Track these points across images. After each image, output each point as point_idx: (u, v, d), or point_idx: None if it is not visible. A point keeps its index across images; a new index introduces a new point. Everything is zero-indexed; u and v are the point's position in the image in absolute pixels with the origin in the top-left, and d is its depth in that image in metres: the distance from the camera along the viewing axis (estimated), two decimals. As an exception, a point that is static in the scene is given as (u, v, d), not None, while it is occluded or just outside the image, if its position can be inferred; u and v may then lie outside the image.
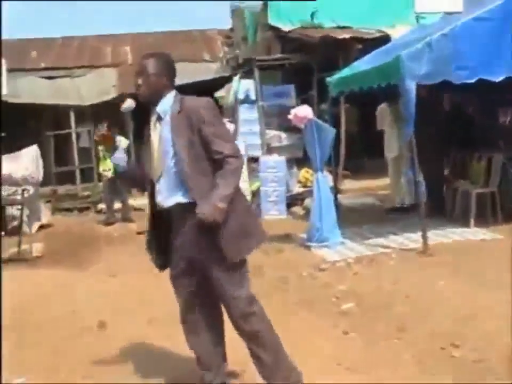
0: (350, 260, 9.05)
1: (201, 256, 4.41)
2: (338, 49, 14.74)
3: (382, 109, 12.78)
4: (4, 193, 12.95)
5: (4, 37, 20.62)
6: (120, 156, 4.63)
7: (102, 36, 26.39)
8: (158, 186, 4.47)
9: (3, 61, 19.37)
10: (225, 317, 4.65)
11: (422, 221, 9.18)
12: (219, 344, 4.78)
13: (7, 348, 6.21)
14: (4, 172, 13.28)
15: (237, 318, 4.49)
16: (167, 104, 4.43)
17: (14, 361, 5.90)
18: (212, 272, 4.42)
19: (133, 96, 4.59)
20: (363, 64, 10.89)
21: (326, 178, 10.57)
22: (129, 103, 4.65)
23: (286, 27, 17.20)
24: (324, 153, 10.06)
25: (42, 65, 23.46)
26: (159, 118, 4.46)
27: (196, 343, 4.72)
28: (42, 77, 22.05)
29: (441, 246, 9.28)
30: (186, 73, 20.97)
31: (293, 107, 11.78)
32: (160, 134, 4.43)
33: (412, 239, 9.82)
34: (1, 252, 10.13)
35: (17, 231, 11.68)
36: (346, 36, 15.12)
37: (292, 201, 14.16)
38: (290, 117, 10.19)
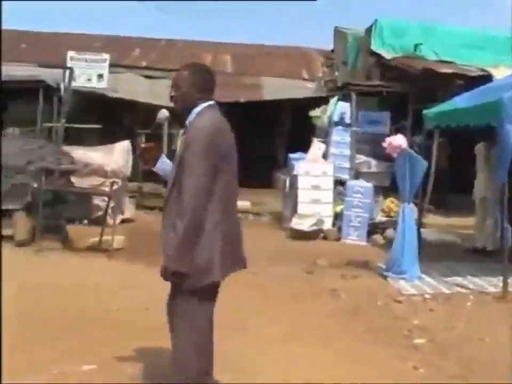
0: (426, 296, 8.96)
1: None
2: (438, 83, 14.63)
3: (479, 148, 12.63)
4: (93, 182, 13.26)
5: (109, 32, 21.11)
6: (164, 164, 4.75)
7: (204, 42, 26.76)
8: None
9: (107, 56, 19.86)
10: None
11: (505, 266, 9.01)
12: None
13: (78, 335, 6.37)
14: (97, 163, 13.63)
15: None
16: (193, 115, 4.49)
17: (83, 349, 6.05)
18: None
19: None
20: (463, 100, 10.75)
21: (412, 211, 10.50)
22: (163, 114, 4.69)
23: (388, 55, 17.23)
24: (413, 184, 9.99)
25: (143, 64, 23.91)
26: (186, 128, 4.52)
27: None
28: (142, 75, 22.46)
29: (521, 294, 9.09)
30: (283, 89, 21.19)
31: (387, 135, 11.77)
32: (180, 144, 4.52)
33: (491, 283, 9.64)
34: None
35: (100, 221, 11.93)
36: (448, 70, 15.03)
37: (373, 229, 14.06)
38: (384, 144, 10.17)
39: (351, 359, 6.22)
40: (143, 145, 4.64)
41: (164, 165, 4.75)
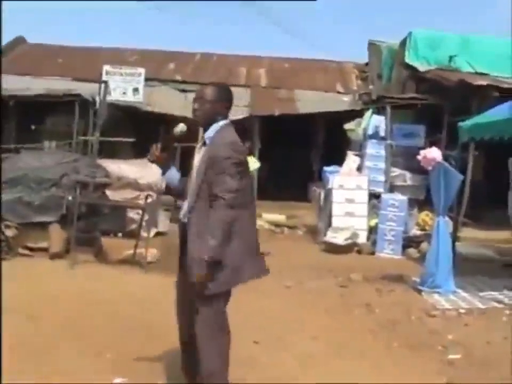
0: (461, 310, 8.84)
1: (188, 273, 4.67)
2: (473, 95, 14.54)
3: (512, 161, 12.48)
4: (127, 196, 13.32)
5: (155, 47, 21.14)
6: (173, 174, 5.08)
7: (239, 56, 26.85)
8: (185, 202, 4.83)
9: (142, 70, 19.99)
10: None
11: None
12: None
13: (111, 347, 6.37)
14: (131, 176, 13.69)
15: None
16: (213, 131, 4.75)
17: (116, 362, 6.04)
18: (190, 291, 4.67)
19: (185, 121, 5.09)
20: (498, 112, 10.65)
21: (447, 224, 10.41)
22: (181, 127, 4.99)
23: (422, 67, 17.18)
24: (448, 198, 9.90)
25: (178, 77, 24.03)
26: (204, 143, 4.81)
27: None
28: (178, 89, 22.57)
29: (558, 310, 8.95)
30: (318, 102, 21.17)
31: (421, 148, 11.68)
32: (200, 157, 4.78)
33: (528, 298, 9.52)
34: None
35: (134, 234, 11.95)
36: (483, 82, 14.91)
37: (408, 242, 13.95)
38: (419, 157, 10.09)
39: (385, 374, 6.16)
40: (156, 154, 4.94)
41: (172, 174, 5.06)
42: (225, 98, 4.87)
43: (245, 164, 4.73)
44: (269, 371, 6.03)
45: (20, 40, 27.13)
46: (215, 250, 4.43)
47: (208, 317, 4.65)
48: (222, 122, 4.80)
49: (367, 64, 23.72)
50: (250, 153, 14.53)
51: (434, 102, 15.71)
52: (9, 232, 11.17)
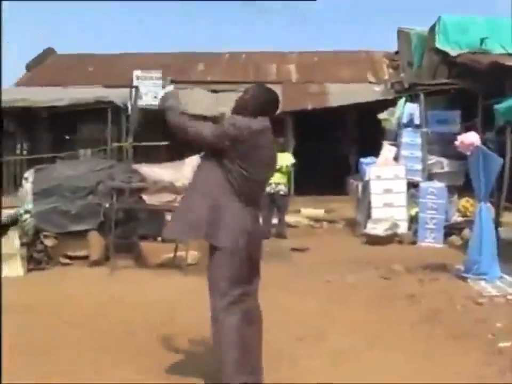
0: (509, 296, 8.63)
1: None
2: (507, 77, 14.27)
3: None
4: (164, 199, 13.29)
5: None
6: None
7: (268, 52, 26.79)
8: None
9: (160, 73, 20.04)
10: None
11: None
12: None
13: (154, 353, 6.32)
14: (167, 180, 13.67)
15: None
16: None
17: (157, 367, 5.98)
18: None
19: None
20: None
21: (489, 210, 10.22)
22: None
23: (453, 51, 16.87)
24: (488, 182, 9.71)
25: (209, 78, 24.05)
26: None
27: None
28: (209, 90, 22.57)
29: None
30: (349, 94, 21.04)
31: (457, 133, 11.49)
32: None
33: None
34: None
35: (173, 237, 11.92)
36: (516, 63, 14.62)
37: (450, 230, 13.78)
38: (456, 143, 9.91)
39: (434, 366, 6.03)
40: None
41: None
42: (257, 102, 5.00)
43: (244, 141, 4.79)
44: (300, 366, 5.93)
45: (49, 52, 27.34)
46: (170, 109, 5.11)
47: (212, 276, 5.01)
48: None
49: (397, 52, 23.50)
50: (284, 149, 14.50)
51: (466, 86, 15.47)
52: (48, 242, 11.22)
